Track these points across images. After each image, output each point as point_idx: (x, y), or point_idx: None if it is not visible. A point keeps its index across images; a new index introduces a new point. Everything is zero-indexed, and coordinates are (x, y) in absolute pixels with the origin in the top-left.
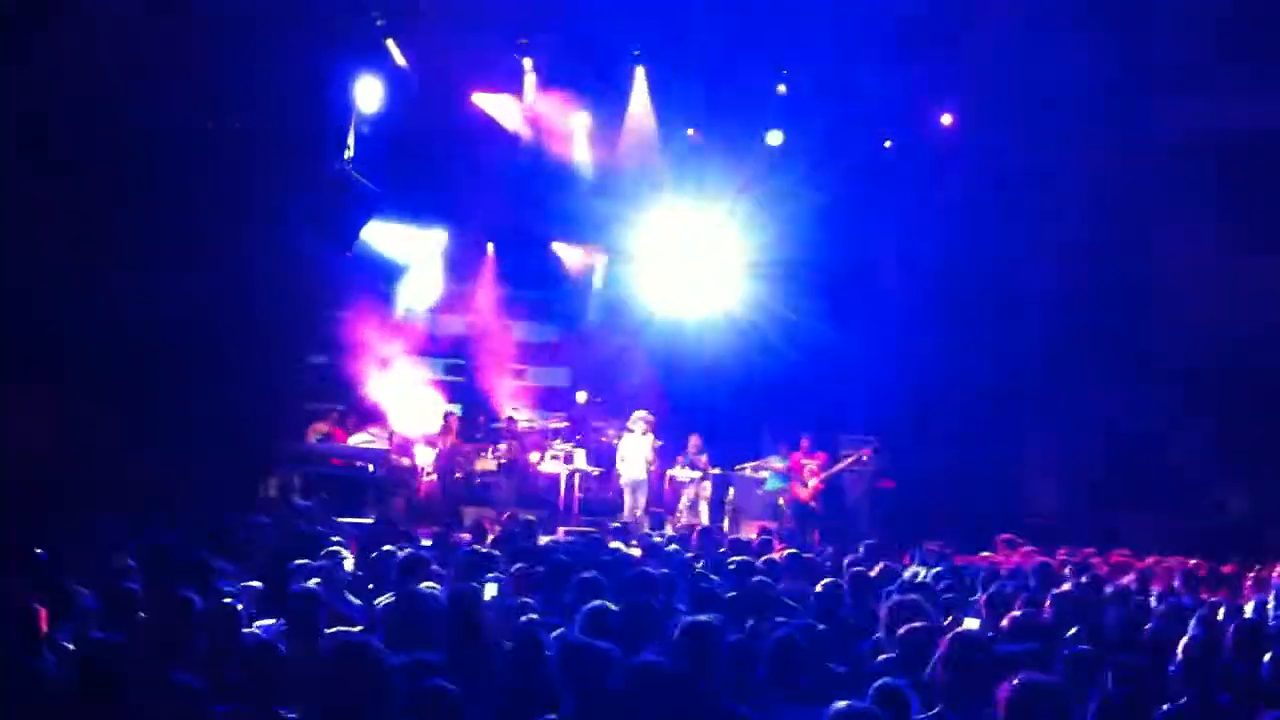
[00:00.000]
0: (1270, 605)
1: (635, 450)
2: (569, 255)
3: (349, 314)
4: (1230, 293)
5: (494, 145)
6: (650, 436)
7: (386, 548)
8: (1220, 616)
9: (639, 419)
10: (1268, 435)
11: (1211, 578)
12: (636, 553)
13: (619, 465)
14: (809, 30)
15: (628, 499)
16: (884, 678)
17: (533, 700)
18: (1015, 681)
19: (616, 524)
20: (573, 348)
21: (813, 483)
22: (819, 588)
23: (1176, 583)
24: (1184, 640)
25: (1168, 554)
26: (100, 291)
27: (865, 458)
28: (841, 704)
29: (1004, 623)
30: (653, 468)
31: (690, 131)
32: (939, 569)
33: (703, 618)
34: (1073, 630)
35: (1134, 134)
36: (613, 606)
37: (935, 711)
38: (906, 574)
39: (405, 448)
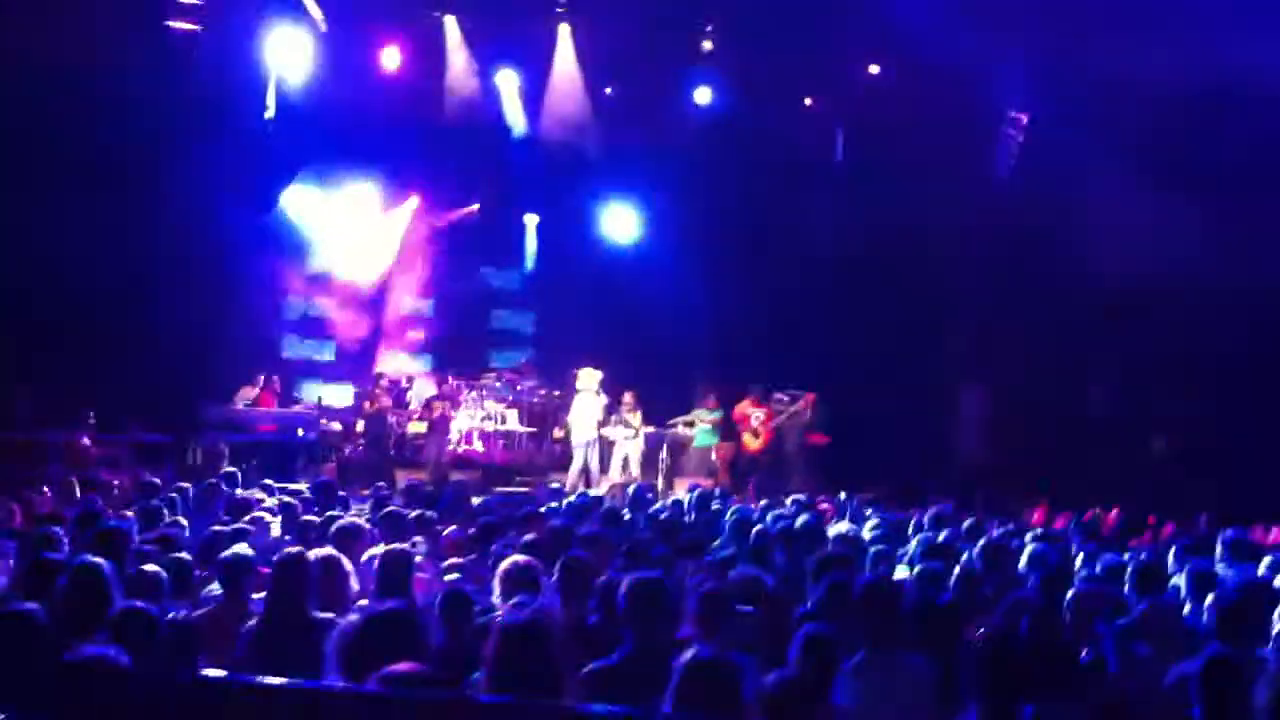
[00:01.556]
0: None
1: (586, 409)
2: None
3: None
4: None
5: (420, 106)
6: (602, 395)
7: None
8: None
9: (589, 375)
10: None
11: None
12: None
13: (571, 424)
14: None
15: (577, 460)
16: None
17: (458, 662)
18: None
19: (556, 484)
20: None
21: (763, 434)
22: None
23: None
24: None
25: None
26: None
27: (806, 405)
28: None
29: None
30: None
31: (608, 90)
32: (874, 521)
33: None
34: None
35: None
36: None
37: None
38: (840, 527)
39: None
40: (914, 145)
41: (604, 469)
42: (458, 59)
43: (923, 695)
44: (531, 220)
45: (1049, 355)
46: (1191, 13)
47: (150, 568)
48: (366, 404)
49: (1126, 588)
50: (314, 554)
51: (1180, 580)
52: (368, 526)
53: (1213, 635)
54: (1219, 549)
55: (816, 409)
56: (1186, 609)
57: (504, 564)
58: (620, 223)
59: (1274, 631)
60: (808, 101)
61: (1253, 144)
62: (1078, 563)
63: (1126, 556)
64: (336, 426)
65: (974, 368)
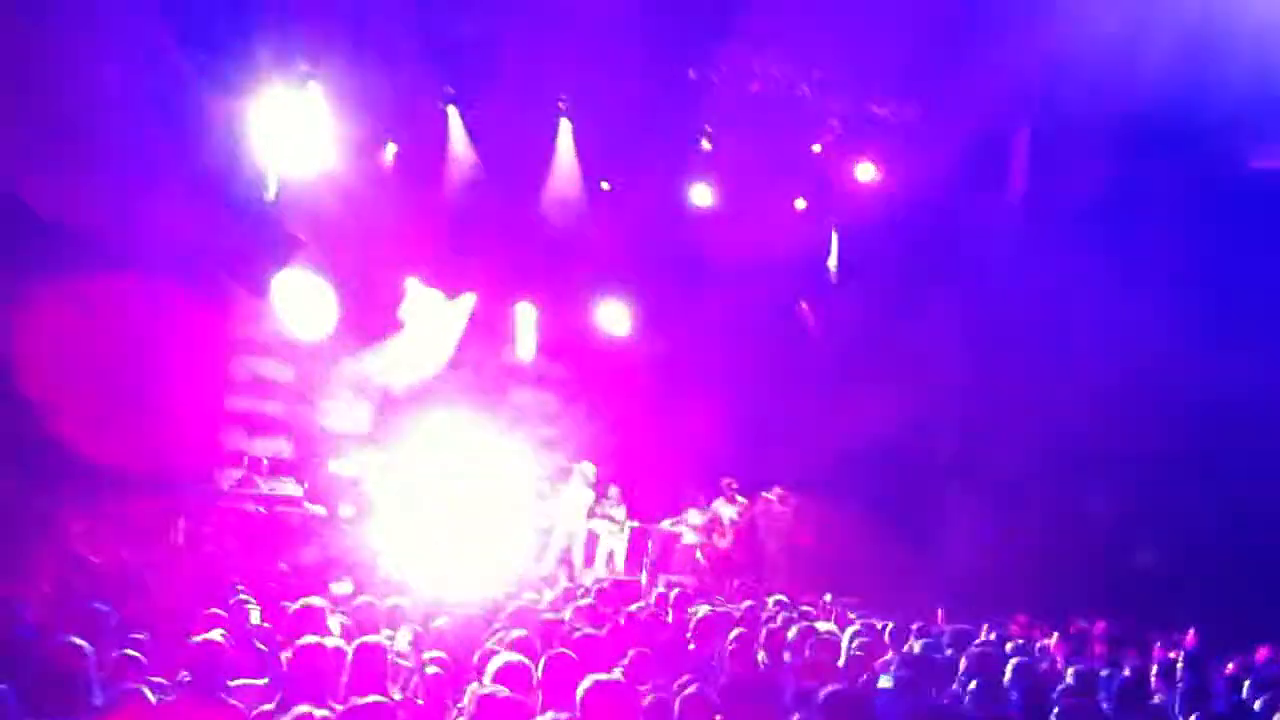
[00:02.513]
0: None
1: (577, 500)
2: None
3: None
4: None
5: (420, 192)
6: (590, 490)
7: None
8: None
9: (585, 468)
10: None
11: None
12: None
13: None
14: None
15: (555, 547)
16: None
17: None
18: None
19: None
20: None
21: (729, 533)
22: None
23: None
24: None
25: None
26: None
27: (776, 498)
28: None
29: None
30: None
31: (604, 185)
32: (856, 626)
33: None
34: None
35: None
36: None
37: None
38: (822, 626)
39: None
40: (906, 247)
41: (588, 562)
42: (460, 148)
43: None
44: (526, 310)
45: (1041, 454)
46: None
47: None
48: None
49: (1107, 704)
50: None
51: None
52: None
53: None
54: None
55: (799, 511)
56: None
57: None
58: (614, 316)
59: None
60: (800, 204)
61: None
62: (1067, 676)
63: (1106, 673)
64: (321, 510)
65: (962, 467)
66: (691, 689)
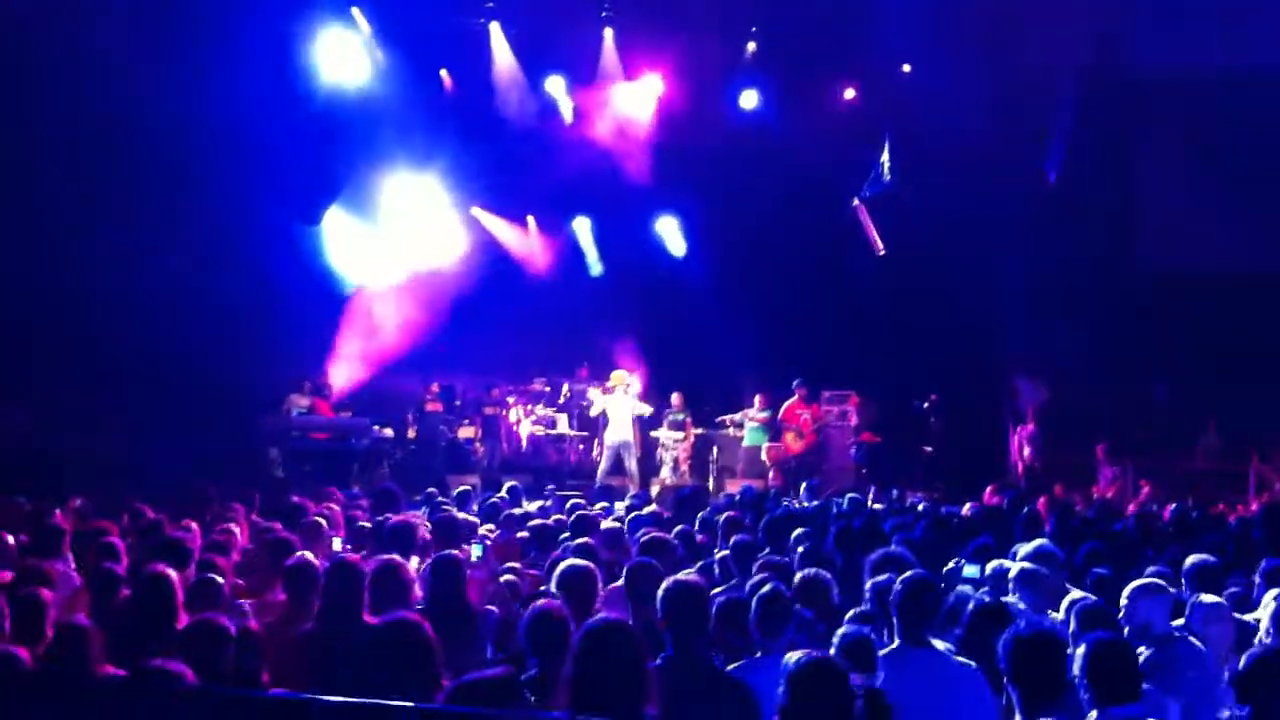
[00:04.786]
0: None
1: (620, 410)
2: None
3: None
4: None
5: (469, 113)
6: (633, 394)
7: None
8: None
9: (618, 377)
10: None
11: None
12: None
13: (605, 428)
14: None
15: (604, 462)
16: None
17: (512, 662)
18: None
19: (597, 487)
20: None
21: (806, 435)
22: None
23: None
24: None
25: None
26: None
27: (851, 408)
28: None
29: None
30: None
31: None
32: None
33: (685, 576)
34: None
35: None
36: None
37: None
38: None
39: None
40: (958, 144)
41: (655, 470)
42: (504, 65)
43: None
44: (583, 224)
45: (1106, 349)
46: None
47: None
48: (416, 409)
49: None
50: (374, 559)
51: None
52: (424, 529)
53: None
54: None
55: (863, 410)
56: None
57: (560, 568)
58: (668, 228)
59: None
60: (850, 94)
61: None
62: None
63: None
64: (389, 432)
65: (1025, 366)
66: (768, 588)
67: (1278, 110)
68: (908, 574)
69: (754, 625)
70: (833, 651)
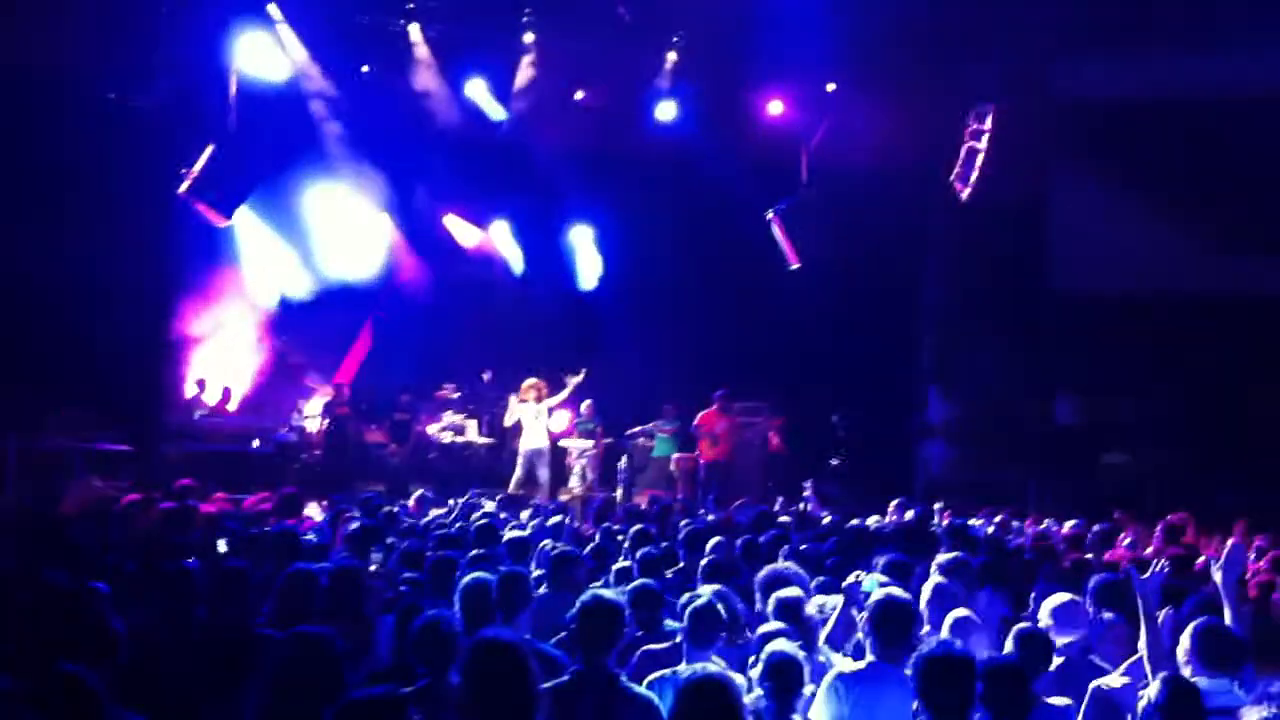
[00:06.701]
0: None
1: (532, 418)
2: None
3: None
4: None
5: (386, 116)
6: (544, 404)
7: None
8: None
9: (529, 386)
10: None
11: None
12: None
13: (519, 436)
14: None
15: (519, 470)
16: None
17: (408, 672)
18: None
19: (501, 496)
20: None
21: (720, 443)
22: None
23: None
24: None
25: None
26: None
27: (762, 420)
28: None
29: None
30: (552, 434)
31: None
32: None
33: (603, 592)
34: None
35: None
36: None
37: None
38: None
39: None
40: (877, 160)
41: (564, 480)
42: (424, 66)
43: None
44: (502, 227)
45: (1016, 366)
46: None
47: None
48: (323, 415)
49: None
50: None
51: None
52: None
53: None
54: None
55: (774, 421)
56: None
57: (465, 580)
58: (582, 237)
59: None
60: (778, 109)
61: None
62: None
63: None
64: (295, 437)
65: (940, 380)
66: (701, 601)
67: (1188, 135)
68: (883, 594)
69: (684, 637)
70: (760, 669)
